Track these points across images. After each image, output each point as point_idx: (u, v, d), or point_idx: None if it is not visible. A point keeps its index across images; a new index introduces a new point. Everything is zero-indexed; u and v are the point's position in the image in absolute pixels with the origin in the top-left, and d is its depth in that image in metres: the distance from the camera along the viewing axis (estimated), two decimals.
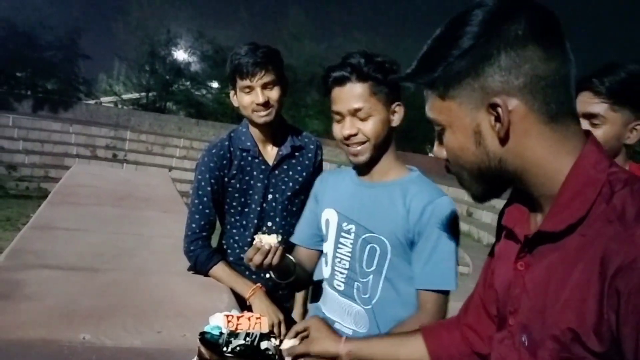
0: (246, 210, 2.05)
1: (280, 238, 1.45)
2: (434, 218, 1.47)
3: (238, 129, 2.07)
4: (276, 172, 2.05)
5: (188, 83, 22.91)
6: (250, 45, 1.91)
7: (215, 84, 22.97)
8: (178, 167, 12.77)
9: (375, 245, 1.53)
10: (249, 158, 2.02)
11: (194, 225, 2.00)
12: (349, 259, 1.59)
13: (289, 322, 2.09)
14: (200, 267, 2.02)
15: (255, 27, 24.73)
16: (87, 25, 23.58)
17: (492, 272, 1.04)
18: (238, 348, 1.30)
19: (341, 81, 1.49)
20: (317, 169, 2.13)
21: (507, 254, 0.94)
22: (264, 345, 1.33)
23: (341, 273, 1.61)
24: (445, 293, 1.50)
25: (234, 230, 2.08)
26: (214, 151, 1.99)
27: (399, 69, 1.51)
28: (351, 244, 1.58)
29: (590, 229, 0.76)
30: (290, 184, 2.07)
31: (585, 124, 1.50)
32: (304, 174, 2.09)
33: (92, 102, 21.72)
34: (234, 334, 1.33)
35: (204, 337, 1.32)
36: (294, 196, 2.08)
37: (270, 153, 2.05)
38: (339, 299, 1.61)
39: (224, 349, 1.29)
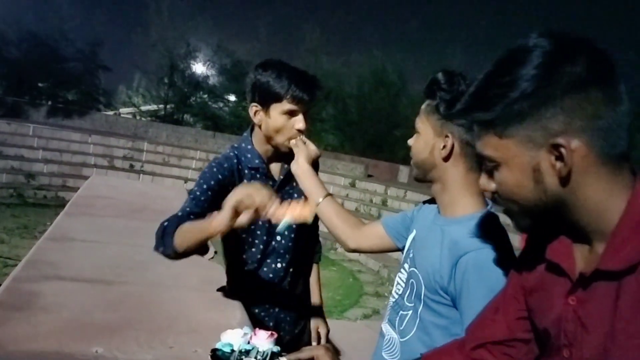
0: (252, 227, 1.97)
1: None
2: (468, 274, 1.27)
3: (241, 146, 1.98)
4: (283, 185, 2.01)
5: (206, 96, 23.12)
6: (282, 66, 1.83)
7: (232, 97, 23.15)
8: (194, 179, 12.77)
9: (414, 282, 1.43)
10: (258, 176, 1.96)
11: (188, 209, 1.78)
12: (403, 285, 1.52)
13: (295, 343, 2.05)
14: (167, 235, 1.75)
15: (272, 42, 24.96)
16: (108, 38, 24.12)
17: (526, 301, 1.05)
18: None
19: None
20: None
21: (550, 286, 0.95)
22: None
23: (393, 297, 1.55)
24: None
25: (242, 248, 2.02)
26: (225, 165, 1.90)
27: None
28: (406, 271, 1.52)
29: None
30: (295, 195, 2.02)
31: None
32: None
33: (111, 113, 22.01)
34: (245, 352, 1.33)
35: (216, 354, 1.32)
36: None
37: (275, 169, 2.01)
38: (384, 322, 1.56)
39: None
